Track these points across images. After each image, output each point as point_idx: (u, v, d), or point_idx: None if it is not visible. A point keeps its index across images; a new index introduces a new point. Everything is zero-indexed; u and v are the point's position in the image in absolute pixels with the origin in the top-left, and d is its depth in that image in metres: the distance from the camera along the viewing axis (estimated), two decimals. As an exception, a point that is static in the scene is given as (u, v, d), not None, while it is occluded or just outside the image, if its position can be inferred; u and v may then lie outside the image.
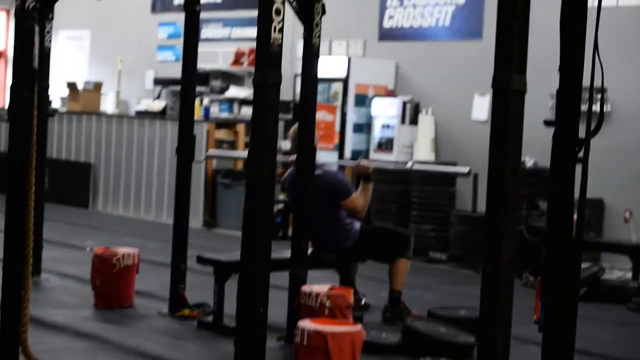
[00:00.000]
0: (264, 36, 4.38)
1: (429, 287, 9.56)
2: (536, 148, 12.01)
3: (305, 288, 6.63)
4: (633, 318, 8.49)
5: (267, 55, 4.35)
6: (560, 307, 4.59)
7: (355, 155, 13.38)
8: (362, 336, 5.45)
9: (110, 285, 7.89)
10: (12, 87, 5.41)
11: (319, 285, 7.04)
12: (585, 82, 3.79)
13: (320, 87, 14.26)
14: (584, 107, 3.87)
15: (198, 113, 15.69)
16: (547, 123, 4.05)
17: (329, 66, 14.25)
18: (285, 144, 16.18)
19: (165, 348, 6.65)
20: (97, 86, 17.38)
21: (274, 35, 4.40)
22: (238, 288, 4.27)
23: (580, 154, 3.76)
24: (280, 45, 4.45)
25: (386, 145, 13.85)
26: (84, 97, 17.01)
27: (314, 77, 6.92)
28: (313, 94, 6.95)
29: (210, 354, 6.70)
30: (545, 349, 4.44)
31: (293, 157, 7.29)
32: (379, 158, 13.67)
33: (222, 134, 14.90)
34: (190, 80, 7.88)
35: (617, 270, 10.27)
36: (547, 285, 4.53)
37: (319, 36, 6.89)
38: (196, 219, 14.24)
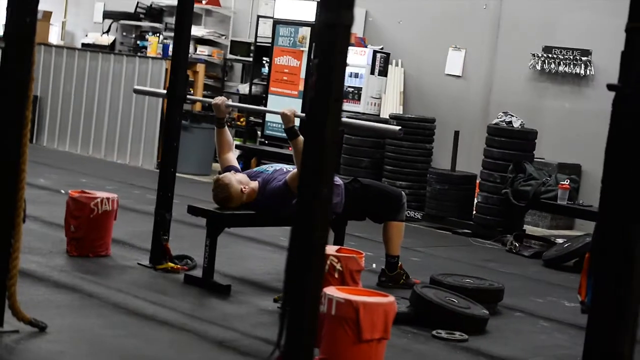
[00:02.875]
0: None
1: (411, 249, 9.13)
2: (522, 109, 11.67)
3: (312, 248, 6.08)
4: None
5: (340, -8, 3.80)
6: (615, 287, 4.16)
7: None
8: (394, 308, 4.96)
9: (87, 231, 7.28)
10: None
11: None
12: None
13: (287, 30, 13.77)
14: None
15: (155, 50, 15.02)
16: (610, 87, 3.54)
17: (298, 10, 13.77)
18: (243, 88, 15.60)
19: (156, 307, 6.06)
20: (47, 15, 16.51)
21: (348, -30, 3.85)
22: (289, 246, 3.69)
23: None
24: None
25: (353, 95, 13.33)
26: (32, 25, 16.13)
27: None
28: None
29: (206, 313, 6.12)
30: (590, 332, 3.98)
31: None
32: (345, 109, 13.13)
33: (180, 74, 14.23)
34: (187, 16, 7.25)
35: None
36: (596, 263, 4.08)
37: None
38: (150, 161, 13.66)
